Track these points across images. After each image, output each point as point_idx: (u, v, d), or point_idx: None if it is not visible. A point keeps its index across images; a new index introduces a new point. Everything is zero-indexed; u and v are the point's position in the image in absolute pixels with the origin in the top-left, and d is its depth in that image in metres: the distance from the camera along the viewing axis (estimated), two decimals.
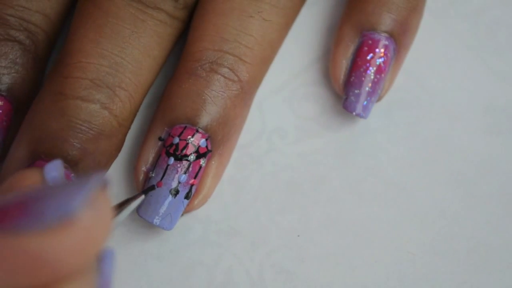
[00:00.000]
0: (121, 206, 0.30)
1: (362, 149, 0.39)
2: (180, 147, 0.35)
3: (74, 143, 0.34)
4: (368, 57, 0.37)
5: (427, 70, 0.40)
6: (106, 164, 0.35)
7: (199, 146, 0.35)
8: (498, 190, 0.38)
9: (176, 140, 0.35)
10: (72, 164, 0.34)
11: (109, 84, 0.34)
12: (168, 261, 0.37)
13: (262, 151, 0.38)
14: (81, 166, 0.34)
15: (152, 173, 0.35)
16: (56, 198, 0.23)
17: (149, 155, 0.36)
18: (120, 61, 0.35)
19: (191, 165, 0.35)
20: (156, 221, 0.35)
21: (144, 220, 0.35)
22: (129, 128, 0.36)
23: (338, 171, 0.38)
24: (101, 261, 0.25)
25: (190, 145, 0.35)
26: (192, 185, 0.35)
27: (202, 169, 0.35)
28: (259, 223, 0.37)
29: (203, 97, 0.35)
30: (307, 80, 0.40)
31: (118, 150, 0.36)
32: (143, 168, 0.36)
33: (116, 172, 0.38)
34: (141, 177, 0.36)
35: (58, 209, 0.22)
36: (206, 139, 0.35)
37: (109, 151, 0.35)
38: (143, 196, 0.33)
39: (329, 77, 0.39)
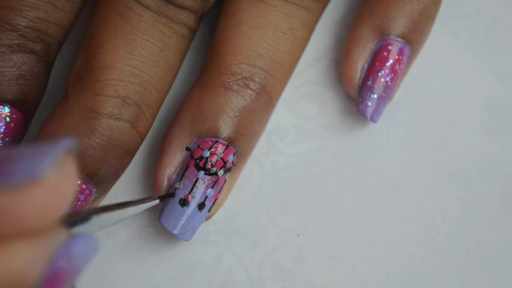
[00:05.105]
0: (133, 203, 0.31)
1: (362, 149, 0.39)
2: (210, 161, 0.35)
3: (103, 161, 0.34)
4: (388, 64, 0.37)
5: (427, 70, 0.40)
6: (121, 175, 0.36)
7: (227, 161, 0.35)
8: (497, 190, 0.38)
9: (207, 153, 0.35)
10: (97, 180, 0.34)
11: (137, 102, 0.35)
12: (168, 261, 0.37)
13: (262, 151, 0.38)
14: (104, 181, 0.35)
15: (179, 185, 0.35)
16: (25, 160, 0.24)
17: (173, 163, 0.36)
18: (148, 79, 0.35)
19: (218, 180, 0.35)
20: (176, 231, 0.35)
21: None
22: None
23: (338, 171, 0.38)
24: (71, 238, 0.25)
25: (220, 160, 0.35)
26: (216, 199, 0.35)
27: (226, 183, 0.35)
28: (259, 223, 0.37)
29: (237, 113, 0.35)
30: (307, 80, 0.39)
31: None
32: (167, 175, 0.36)
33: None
34: (165, 183, 0.35)
35: (26, 170, 0.24)
36: (234, 154, 0.35)
37: (127, 165, 0.35)
38: (157, 201, 0.33)
39: (329, 77, 0.39)
